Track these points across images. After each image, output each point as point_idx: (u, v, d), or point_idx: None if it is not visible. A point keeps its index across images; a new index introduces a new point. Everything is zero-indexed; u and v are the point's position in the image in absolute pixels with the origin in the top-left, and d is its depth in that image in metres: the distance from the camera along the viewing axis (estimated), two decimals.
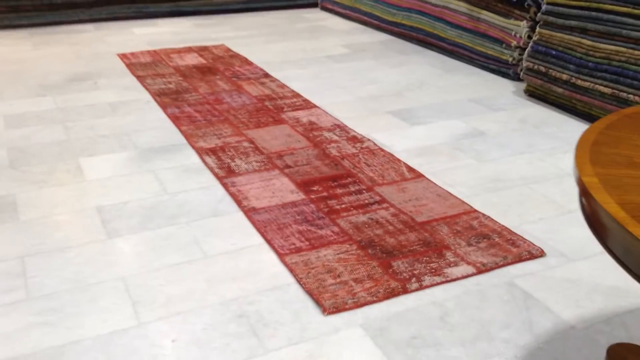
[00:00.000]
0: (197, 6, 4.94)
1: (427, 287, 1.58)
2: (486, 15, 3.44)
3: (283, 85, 3.20)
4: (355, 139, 2.51)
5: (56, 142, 2.49)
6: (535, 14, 3.11)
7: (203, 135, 2.55)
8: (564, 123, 2.71)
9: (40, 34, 4.29)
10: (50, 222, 1.89)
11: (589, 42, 2.66)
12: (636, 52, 2.48)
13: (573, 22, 2.72)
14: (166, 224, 1.88)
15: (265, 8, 5.15)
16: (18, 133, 2.57)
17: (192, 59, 3.69)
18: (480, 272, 1.64)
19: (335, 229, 1.85)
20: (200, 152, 2.39)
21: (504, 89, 3.18)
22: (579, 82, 2.69)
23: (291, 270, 1.65)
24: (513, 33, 3.24)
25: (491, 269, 1.65)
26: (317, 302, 1.52)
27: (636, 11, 2.47)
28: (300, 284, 1.59)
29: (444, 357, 1.34)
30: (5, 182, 2.14)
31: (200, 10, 4.96)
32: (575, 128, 2.65)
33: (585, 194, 0.80)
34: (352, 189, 2.10)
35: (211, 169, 2.24)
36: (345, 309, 1.49)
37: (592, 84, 2.64)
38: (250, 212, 1.94)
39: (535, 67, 2.91)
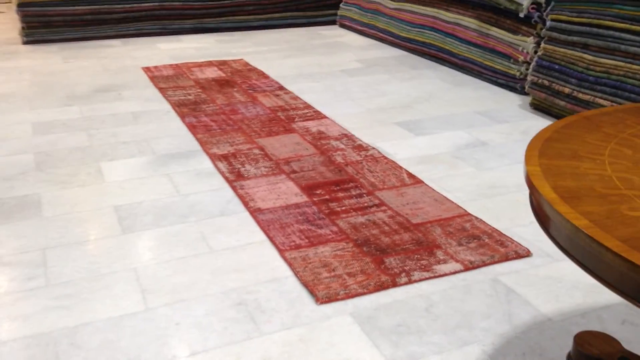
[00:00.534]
0: (220, 23, 5.13)
1: (415, 281, 1.68)
2: (495, 31, 3.54)
3: (296, 97, 3.34)
4: (360, 147, 2.63)
5: (80, 147, 2.66)
6: (542, 30, 3.20)
7: (217, 142, 2.69)
8: None
9: (70, 48, 4.51)
10: (70, 219, 2.04)
11: (589, 57, 2.75)
12: (634, 67, 2.56)
13: (575, 38, 2.82)
14: (177, 222, 2.02)
15: (285, 25, 5.32)
16: (45, 139, 2.75)
17: (212, 73, 3.85)
18: (467, 269, 1.74)
19: (334, 228, 1.96)
20: (213, 157, 2.53)
21: (511, 102, 3.27)
22: (580, 95, 2.78)
23: (290, 265, 1.76)
24: (520, 48, 3.34)
25: (478, 266, 1.75)
26: (312, 292, 1.63)
27: (634, 27, 2.55)
28: (297, 276, 1.71)
29: (425, 343, 1.44)
30: (31, 183, 2.31)
31: (222, 27, 5.15)
32: None
33: (527, 181, 0.91)
34: (354, 192, 2.21)
35: (222, 173, 2.38)
36: (337, 299, 1.60)
37: (592, 97, 2.72)
38: (255, 212, 2.07)
39: (540, 81, 3.00)
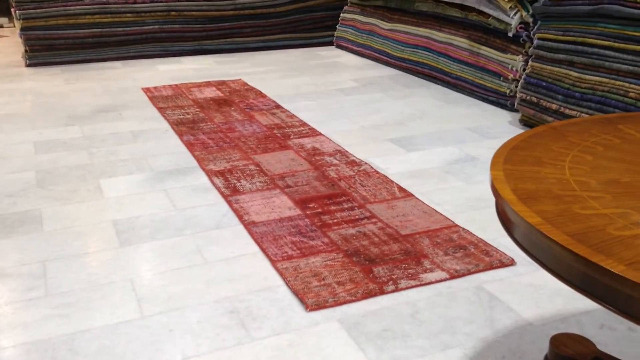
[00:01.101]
0: (219, 45, 5.24)
1: (402, 289, 1.74)
2: (485, 50, 3.64)
3: (292, 116, 3.42)
4: (353, 163, 2.70)
5: (80, 165, 2.73)
6: (530, 48, 3.29)
7: (214, 159, 2.77)
8: None
9: (72, 70, 4.62)
10: (70, 233, 2.11)
11: (575, 74, 2.83)
12: (618, 83, 2.64)
13: (561, 56, 2.90)
14: (173, 235, 2.08)
15: (283, 47, 5.43)
16: (46, 157, 2.83)
17: (211, 92, 3.95)
18: (453, 277, 1.80)
19: (326, 240, 2.02)
20: (210, 174, 2.60)
21: (501, 119, 3.35)
22: (567, 111, 2.86)
23: (281, 274, 1.82)
24: (510, 67, 3.43)
25: (463, 275, 1.81)
26: (302, 300, 1.69)
27: (617, 45, 2.64)
28: (288, 285, 1.77)
29: (409, 347, 1.50)
30: (32, 199, 2.38)
31: (221, 48, 5.26)
32: None
33: (491, 185, 0.98)
34: (345, 206, 2.28)
35: (218, 189, 2.45)
36: (325, 307, 1.66)
37: (578, 113, 2.80)
38: (249, 225, 2.13)
39: (528, 97, 3.08)
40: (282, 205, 2.28)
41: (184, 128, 3.22)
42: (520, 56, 3.36)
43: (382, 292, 1.72)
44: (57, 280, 1.81)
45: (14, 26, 6.40)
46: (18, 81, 4.30)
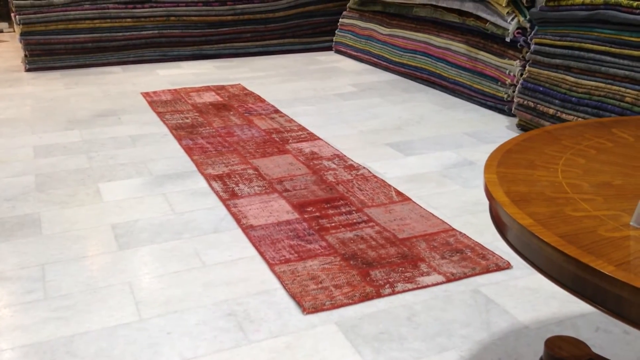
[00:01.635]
0: (218, 49, 5.26)
1: (399, 292, 1.75)
2: (483, 55, 3.65)
3: (291, 120, 3.43)
4: (351, 167, 2.71)
5: (79, 169, 2.74)
6: (527, 53, 3.31)
7: (212, 163, 2.78)
8: None
9: (71, 75, 4.64)
10: (69, 236, 2.12)
11: (572, 79, 2.84)
12: (614, 87, 2.66)
13: (558, 61, 2.92)
14: (171, 239, 2.09)
15: (282, 52, 5.45)
16: (45, 161, 2.84)
17: (210, 97, 3.96)
18: (449, 280, 1.81)
19: (323, 243, 2.03)
20: (208, 178, 2.61)
21: (499, 124, 3.36)
22: (563, 115, 2.87)
23: (279, 278, 1.83)
24: (507, 72, 3.45)
25: (460, 278, 1.82)
26: (299, 303, 1.70)
27: (613, 50, 2.66)
28: (285, 289, 1.78)
29: (406, 349, 1.51)
30: (31, 203, 2.39)
31: (221, 53, 5.28)
32: None
33: (484, 188, 0.99)
34: (343, 210, 2.29)
35: (216, 193, 2.46)
36: (323, 309, 1.67)
37: (575, 118, 2.82)
38: (247, 229, 2.14)
39: (525, 102, 3.10)
40: (280, 209, 2.30)
41: (183, 132, 3.24)
42: (518, 61, 3.38)
43: (379, 295, 1.73)
44: (55, 284, 1.82)
45: (14, 31, 6.42)
46: (18, 86, 4.32)
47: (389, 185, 2.51)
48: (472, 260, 1.91)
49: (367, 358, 1.47)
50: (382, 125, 3.36)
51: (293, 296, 1.73)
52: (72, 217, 2.26)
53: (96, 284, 1.82)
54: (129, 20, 4.95)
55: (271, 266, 1.90)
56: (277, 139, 3.11)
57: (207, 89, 4.18)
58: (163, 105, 3.79)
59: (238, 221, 2.21)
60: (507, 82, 3.44)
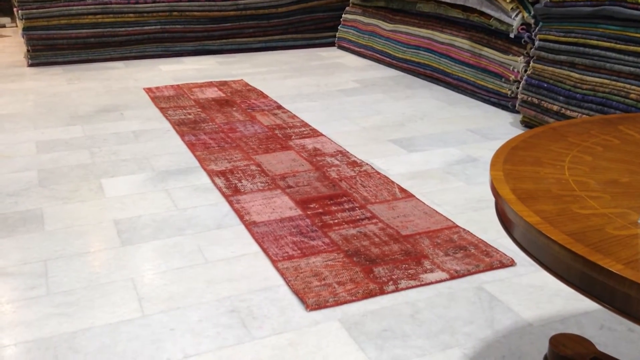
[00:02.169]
0: (221, 45, 5.25)
1: (402, 289, 1.74)
2: (487, 51, 3.64)
3: (294, 116, 3.42)
4: (354, 164, 2.71)
5: (82, 165, 2.74)
6: (531, 49, 3.30)
7: (215, 159, 2.77)
8: None
9: (74, 70, 4.63)
10: (71, 232, 2.11)
11: (576, 75, 2.83)
12: (619, 84, 2.64)
13: (562, 57, 2.91)
14: (174, 235, 2.09)
15: (285, 47, 5.44)
16: (48, 157, 2.84)
17: (212, 93, 3.95)
18: (453, 277, 1.80)
19: (326, 240, 2.03)
20: (211, 174, 2.60)
21: (503, 120, 3.35)
22: (568, 112, 2.86)
23: (282, 274, 1.83)
24: (511, 68, 3.43)
25: (463, 275, 1.81)
26: (302, 300, 1.69)
27: (618, 46, 2.64)
28: (288, 285, 1.77)
29: (409, 347, 1.50)
30: (34, 198, 2.38)
31: (223, 49, 5.26)
32: None
33: (490, 185, 0.98)
34: (346, 206, 2.28)
35: (219, 189, 2.45)
36: (326, 306, 1.67)
37: (579, 114, 2.80)
38: (250, 225, 2.14)
39: (529, 99, 3.08)
40: (283, 206, 2.29)
41: (186, 128, 3.23)
42: (522, 57, 3.37)
43: (382, 292, 1.73)
44: (58, 279, 1.82)
45: (17, 26, 6.41)
46: (20, 81, 4.31)
47: (392, 182, 2.50)
48: (475, 258, 1.90)
49: (371, 355, 1.47)
50: (385, 122, 3.35)
51: (296, 293, 1.73)
52: (75, 213, 2.26)
53: (99, 280, 1.82)
54: (131, 15, 4.93)
55: (274, 263, 1.89)
56: (280, 135, 3.10)
57: (210, 84, 4.17)
58: (165, 100, 3.78)
59: (241, 217, 2.20)
60: (511, 79, 3.42)
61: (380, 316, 1.62)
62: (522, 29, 3.36)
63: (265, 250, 1.97)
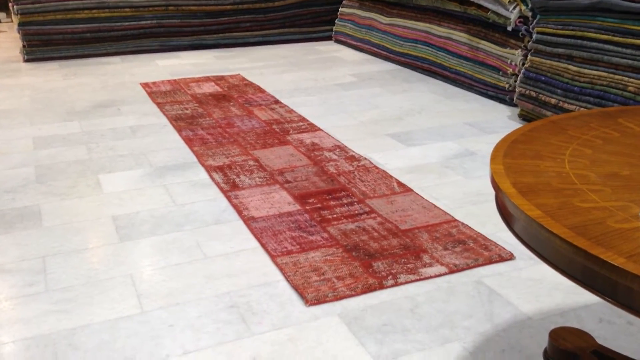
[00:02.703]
0: (218, 39, 5.23)
1: (401, 283, 1.74)
2: (484, 44, 3.63)
3: (291, 111, 3.42)
4: (352, 158, 2.70)
5: (79, 160, 2.73)
6: (529, 42, 3.29)
7: (213, 154, 2.76)
8: None
9: (70, 65, 4.61)
10: (69, 228, 2.11)
11: (574, 68, 2.83)
12: (617, 77, 2.64)
13: (560, 50, 2.90)
14: (173, 230, 2.08)
15: (282, 41, 5.42)
16: (45, 153, 2.82)
17: (209, 88, 3.94)
18: (452, 272, 1.80)
19: (325, 235, 2.02)
20: (209, 169, 2.60)
21: (500, 114, 3.35)
22: (565, 105, 2.86)
23: (281, 269, 1.82)
24: (509, 61, 3.43)
25: (462, 269, 1.81)
26: (301, 295, 1.69)
27: (616, 39, 2.64)
28: (288, 280, 1.77)
29: (409, 341, 1.50)
30: (31, 195, 2.38)
31: (220, 43, 5.25)
32: None
33: (491, 179, 0.98)
34: (345, 201, 2.28)
35: (217, 184, 2.45)
36: (325, 301, 1.66)
37: (577, 107, 2.80)
38: (249, 221, 2.13)
39: (527, 92, 3.08)
40: (281, 201, 2.28)
41: (183, 123, 3.22)
42: (519, 50, 3.36)
43: (381, 287, 1.72)
44: (56, 276, 1.81)
45: (12, 21, 6.38)
46: (16, 76, 4.29)
47: (391, 176, 2.50)
48: (474, 252, 1.90)
49: (371, 350, 1.47)
50: (382, 116, 3.34)
51: (295, 288, 1.73)
52: (73, 209, 2.25)
53: (97, 277, 1.81)
54: (127, 9, 4.91)
55: (273, 258, 1.89)
56: (278, 130, 3.10)
57: (207, 79, 4.16)
58: (162, 95, 3.77)
59: (239, 213, 2.20)
60: (508, 72, 3.42)
61: (380, 311, 1.62)
62: (519, 22, 3.35)
63: (264, 246, 1.97)
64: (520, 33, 3.34)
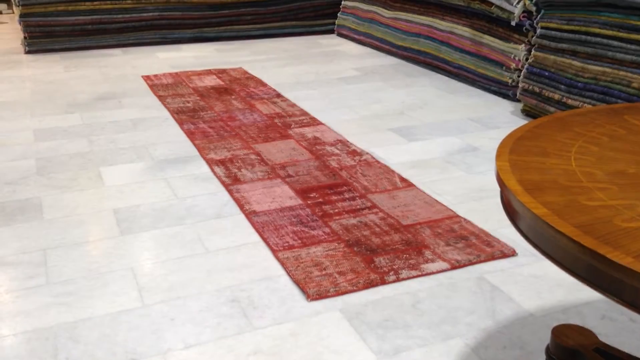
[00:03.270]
0: (219, 32, 5.21)
1: (403, 279, 1.74)
2: (488, 39, 3.61)
3: (293, 105, 3.40)
4: (355, 153, 2.69)
5: (80, 153, 2.72)
6: (533, 37, 3.27)
7: (214, 148, 2.75)
8: None
9: (71, 57, 4.59)
10: (70, 221, 2.10)
11: (578, 64, 2.81)
12: (621, 73, 2.62)
13: (564, 45, 2.88)
14: (174, 224, 2.08)
15: (284, 35, 5.40)
16: (46, 145, 2.82)
17: (211, 81, 3.93)
18: (454, 267, 1.79)
19: (327, 230, 2.02)
20: (211, 163, 2.59)
21: (503, 109, 3.33)
22: (569, 101, 2.84)
23: (282, 264, 1.82)
24: (512, 56, 3.41)
25: (464, 265, 1.80)
26: (303, 290, 1.68)
27: (621, 34, 2.62)
28: (289, 275, 1.76)
29: (410, 337, 1.49)
30: (32, 187, 2.37)
31: (222, 36, 5.23)
32: None
33: (496, 175, 0.97)
34: (347, 196, 2.27)
35: (219, 178, 2.44)
36: (327, 296, 1.66)
37: (581, 103, 2.79)
38: (250, 215, 2.13)
39: (530, 87, 3.07)
40: (283, 195, 2.28)
41: (184, 116, 3.21)
42: (523, 45, 3.35)
43: (383, 282, 1.72)
44: (57, 269, 1.81)
45: (13, 13, 6.36)
46: (17, 68, 4.28)
47: (393, 171, 2.49)
48: (477, 247, 1.89)
49: (372, 345, 1.46)
50: (385, 110, 3.33)
51: (297, 282, 1.72)
52: (74, 202, 2.24)
53: (98, 270, 1.81)
54: (129, 1, 4.89)
55: (274, 252, 1.88)
56: (280, 124, 3.08)
57: (208, 72, 4.15)
58: (164, 88, 3.75)
59: (241, 207, 2.19)
60: (512, 67, 3.40)
61: (382, 306, 1.62)
62: (523, 16, 3.33)
63: (265, 240, 1.96)
64: (524, 28, 3.32)
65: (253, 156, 2.65)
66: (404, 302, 1.63)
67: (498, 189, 2.33)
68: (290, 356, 1.44)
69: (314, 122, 3.11)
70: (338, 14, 5.38)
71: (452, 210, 2.14)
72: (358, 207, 2.18)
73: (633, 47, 2.58)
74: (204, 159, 2.64)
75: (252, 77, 4.01)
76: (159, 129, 3.03)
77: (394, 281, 1.73)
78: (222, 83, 3.87)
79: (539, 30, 3.03)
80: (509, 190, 0.89)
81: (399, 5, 4.57)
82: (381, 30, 4.70)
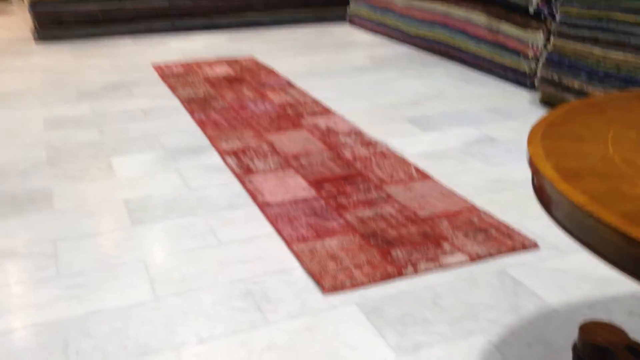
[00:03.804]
0: (230, 20, 5.16)
1: (421, 273, 1.68)
2: (505, 26, 3.53)
3: (305, 94, 3.35)
4: (369, 143, 2.63)
5: (91, 143, 2.68)
6: (551, 25, 3.19)
7: (226, 138, 2.71)
8: None
9: (81, 46, 4.56)
10: (81, 212, 2.06)
11: (599, 51, 2.73)
12: None
13: (585, 32, 2.81)
14: (186, 215, 2.03)
15: (295, 21, 5.34)
16: (56, 134, 2.78)
17: (222, 70, 3.88)
18: (474, 261, 1.74)
19: (342, 221, 1.97)
20: (222, 153, 2.54)
21: (521, 98, 3.26)
22: (590, 90, 2.77)
23: (297, 256, 1.77)
24: (530, 44, 3.33)
25: (485, 258, 1.75)
26: (318, 283, 1.64)
27: None
28: (304, 268, 1.72)
29: (430, 333, 1.44)
30: (42, 177, 2.33)
31: (232, 24, 5.17)
32: None
33: (529, 162, 0.91)
34: (362, 187, 2.21)
35: (231, 168, 2.39)
36: (343, 290, 1.61)
37: (602, 92, 2.71)
38: (263, 206, 2.08)
39: (549, 76, 2.99)
40: (296, 186, 2.23)
41: (196, 106, 3.16)
42: (541, 33, 3.26)
43: (400, 275, 1.67)
44: (68, 260, 1.77)
45: (24, 2, 6.33)
46: (27, 57, 4.25)
47: (409, 163, 2.43)
48: (497, 240, 1.84)
49: (391, 342, 1.41)
50: (399, 100, 3.26)
51: (312, 275, 1.67)
52: (84, 192, 2.21)
53: (109, 261, 1.77)
54: None
55: (289, 244, 1.84)
56: (292, 114, 3.03)
57: (219, 61, 4.09)
58: (175, 77, 3.71)
59: (254, 198, 2.14)
60: (529, 55, 3.32)
61: (400, 301, 1.56)
62: (541, 3, 3.25)
63: (279, 232, 1.91)
64: (543, 15, 3.24)
65: (265, 146, 2.60)
66: (423, 297, 1.58)
67: (517, 180, 2.27)
68: (306, 351, 1.39)
69: (327, 112, 3.06)
70: (350, 2, 5.30)
71: (471, 202, 2.08)
72: (373, 198, 2.12)
73: None
74: (216, 149, 2.59)
75: (263, 66, 3.95)
76: (169, 119, 2.99)
77: (412, 274, 1.67)
78: (233, 72, 3.82)
79: (558, 17, 2.95)
80: (544, 177, 0.83)
81: None
82: (395, 18, 4.62)
